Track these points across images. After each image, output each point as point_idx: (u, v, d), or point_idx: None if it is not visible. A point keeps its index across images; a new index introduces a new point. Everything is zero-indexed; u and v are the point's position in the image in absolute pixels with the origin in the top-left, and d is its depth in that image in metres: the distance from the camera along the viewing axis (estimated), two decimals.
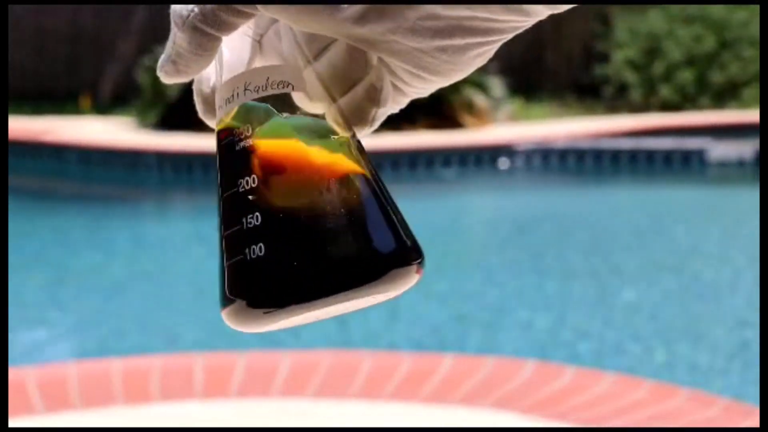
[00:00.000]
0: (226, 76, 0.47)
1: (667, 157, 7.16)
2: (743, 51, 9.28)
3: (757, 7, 9.54)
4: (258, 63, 0.49)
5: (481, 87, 8.14)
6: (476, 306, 4.08)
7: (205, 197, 6.85)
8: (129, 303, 4.16)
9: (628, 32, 9.56)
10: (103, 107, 9.43)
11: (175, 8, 0.44)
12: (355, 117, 0.46)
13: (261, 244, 0.43)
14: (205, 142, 7.28)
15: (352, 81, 0.46)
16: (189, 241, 5.65)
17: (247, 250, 0.44)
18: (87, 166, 7.38)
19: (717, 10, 9.50)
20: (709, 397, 2.60)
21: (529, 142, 7.39)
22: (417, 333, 3.73)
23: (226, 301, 0.45)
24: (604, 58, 9.65)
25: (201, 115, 0.49)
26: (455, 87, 7.82)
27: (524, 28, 0.45)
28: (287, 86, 0.46)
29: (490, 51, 0.45)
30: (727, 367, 3.40)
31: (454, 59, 0.45)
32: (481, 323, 3.86)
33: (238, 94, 0.46)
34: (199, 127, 7.75)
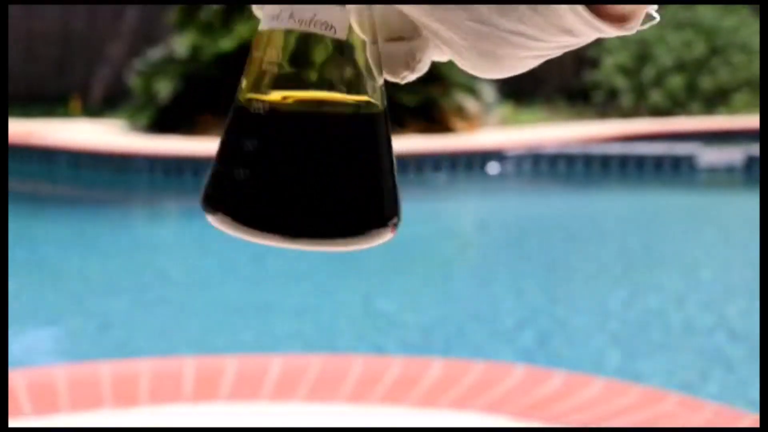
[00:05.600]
0: None
1: (657, 162, 7.18)
2: (733, 57, 9.31)
3: (746, 14, 9.57)
4: None
5: (472, 91, 8.15)
6: (466, 310, 4.08)
7: (196, 201, 6.83)
8: (119, 306, 4.15)
9: (618, 38, 9.57)
10: (94, 110, 9.41)
11: None
12: (388, 68, 0.48)
13: (247, 170, 0.46)
14: (197, 146, 7.27)
15: (398, 35, 0.47)
16: (179, 244, 5.64)
17: (235, 170, 0.47)
18: (77, 169, 7.36)
19: (707, 16, 9.53)
20: (699, 403, 2.60)
21: (520, 147, 7.40)
22: (407, 337, 3.73)
23: (205, 207, 0.49)
24: (595, 63, 9.67)
25: (254, 9, 0.50)
26: (446, 91, 7.84)
27: (567, 49, 0.45)
28: (329, 29, 0.46)
29: (531, 63, 0.46)
30: (719, 371, 3.40)
31: (491, 64, 0.46)
32: (471, 327, 3.86)
33: (282, 17, 0.47)
34: (190, 130, 7.76)
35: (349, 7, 0.47)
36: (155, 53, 8.31)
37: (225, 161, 0.47)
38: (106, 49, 9.96)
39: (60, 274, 4.73)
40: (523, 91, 9.65)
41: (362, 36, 0.47)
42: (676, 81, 9.20)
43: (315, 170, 0.45)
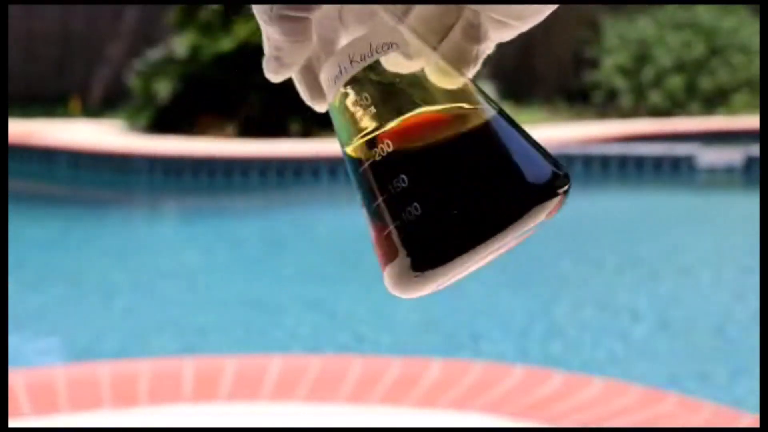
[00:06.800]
0: (323, 56, 0.47)
1: (657, 163, 7.18)
2: (732, 57, 9.32)
3: (746, 14, 9.58)
4: (344, 38, 0.48)
5: None
6: (464, 311, 4.08)
7: (196, 201, 6.84)
8: (118, 307, 4.15)
9: (617, 38, 9.58)
10: (93, 110, 9.41)
11: (257, 7, 0.45)
12: (458, 59, 0.47)
13: (415, 204, 0.43)
14: (196, 146, 7.27)
15: (447, 27, 0.46)
16: (179, 244, 5.64)
17: (402, 214, 0.44)
18: (76, 170, 7.37)
19: (706, 17, 9.53)
20: (698, 403, 2.61)
21: None
22: (404, 338, 3.73)
23: (416, 271, 0.44)
24: (594, 63, 9.67)
25: (309, 100, 0.49)
26: None
27: None
28: (392, 47, 0.45)
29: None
30: (716, 371, 3.40)
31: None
32: (469, 328, 3.86)
33: (345, 68, 0.46)
34: (190, 130, 7.76)
35: (391, 21, 0.46)
36: (155, 53, 8.31)
37: (391, 218, 0.44)
38: (105, 49, 9.96)
39: (60, 274, 4.73)
40: (522, 92, 9.65)
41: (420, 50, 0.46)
42: (675, 81, 9.20)
43: (466, 169, 0.43)
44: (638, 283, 4.50)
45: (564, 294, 4.31)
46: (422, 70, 0.46)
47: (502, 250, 0.46)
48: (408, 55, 0.45)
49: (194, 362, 2.83)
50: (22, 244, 5.11)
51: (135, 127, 8.09)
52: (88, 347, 3.64)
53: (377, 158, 0.44)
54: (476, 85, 0.46)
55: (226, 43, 7.67)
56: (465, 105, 0.45)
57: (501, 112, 0.46)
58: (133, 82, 8.22)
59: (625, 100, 9.33)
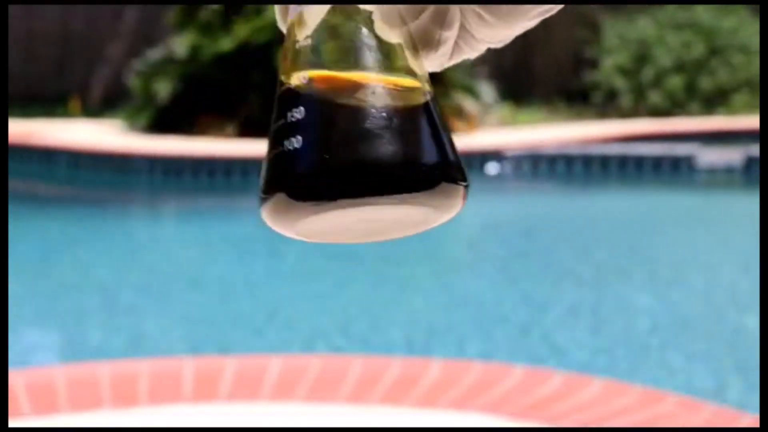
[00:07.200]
0: None
1: (656, 163, 7.18)
2: (732, 57, 9.32)
3: (745, 14, 9.58)
4: None
5: (471, 92, 8.15)
6: (465, 310, 4.08)
7: (196, 201, 6.84)
8: (118, 307, 4.15)
9: (617, 38, 9.58)
10: (93, 110, 9.41)
11: None
12: (422, 40, 0.48)
13: (299, 136, 0.44)
14: (196, 146, 7.27)
15: (423, 9, 0.48)
16: (179, 244, 5.64)
17: (286, 142, 0.44)
18: (76, 170, 7.37)
19: (706, 17, 9.53)
20: (697, 403, 2.61)
21: (519, 148, 7.40)
22: (406, 338, 3.73)
23: (263, 197, 0.45)
24: (594, 64, 9.67)
25: (279, 21, 0.50)
26: (445, 92, 7.84)
27: None
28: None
29: (550, 8, 0.47)
30: (716, 371, 3.40)
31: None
32: (469, 328, 3.86)
33: None
34: (189, 130, 7.76)
35: None
36: (155, 53, 8.31)
37: (274, 144, 0.45)
38: (105, 49, 9.96)
39: (60, 274, 4.73)
40: (522, 92, 9.65)
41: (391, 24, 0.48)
42: (675, 81, 9.20)
43: (370, 129, 0.43)
44: (638, 282, 4.50)
45: (563, 293, 4.31)
46: (395, 43, 0.47)
47: (380, 235, 0.46)
48: (389, 23, 0.47)
49: (194, 362, 2.83)
50: (22, 244, 5.11)
51: (135, 127, 8.09)
52: (88, 347, 3.64)
53: (291, 86, 0.46)
54: (425, 70, 0.47)
55: (226, 43, 7.67)
56: (406, 83, 0.46)
57: (433, 100, 0.47)
58: (133, 82, 8.22)
59: (625, 100, 9.33)
